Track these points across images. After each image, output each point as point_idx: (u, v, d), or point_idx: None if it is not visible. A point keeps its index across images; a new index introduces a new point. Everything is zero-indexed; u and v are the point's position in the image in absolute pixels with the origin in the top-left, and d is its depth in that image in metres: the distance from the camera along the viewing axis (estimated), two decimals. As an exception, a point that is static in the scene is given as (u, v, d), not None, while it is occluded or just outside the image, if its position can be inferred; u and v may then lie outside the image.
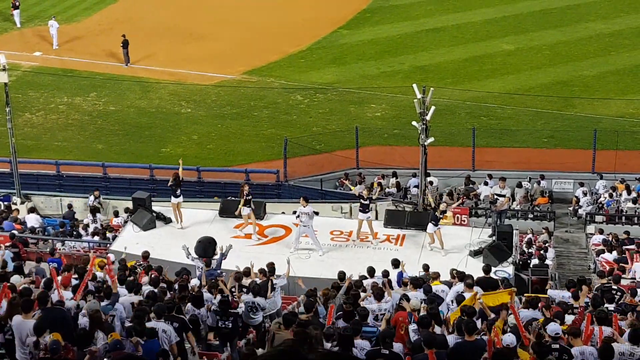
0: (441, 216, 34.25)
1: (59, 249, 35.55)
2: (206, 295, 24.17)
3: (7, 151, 42.92)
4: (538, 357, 17.72)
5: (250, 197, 35.30)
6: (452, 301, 24.36)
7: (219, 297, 23.79)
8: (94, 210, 40.56)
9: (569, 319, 22.20)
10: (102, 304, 21.28)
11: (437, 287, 25.70)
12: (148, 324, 19.41)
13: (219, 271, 27.46)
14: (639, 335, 18.81)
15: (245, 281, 26.46)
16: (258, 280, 26.41)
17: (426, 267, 29.21)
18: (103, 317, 19.91)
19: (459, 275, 26.52)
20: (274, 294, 25.63)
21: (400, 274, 28.31)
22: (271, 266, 27.17)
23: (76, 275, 25.42)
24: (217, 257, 28.90)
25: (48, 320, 19.18)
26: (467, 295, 23.96)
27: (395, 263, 29.29)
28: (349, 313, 21.25)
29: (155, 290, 23.95)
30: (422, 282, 25.63)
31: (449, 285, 26.36)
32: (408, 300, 22.66)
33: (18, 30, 68.08)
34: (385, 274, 27.62)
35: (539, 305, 23.55)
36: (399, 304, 22.60)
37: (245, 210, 35.29)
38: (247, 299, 24.32)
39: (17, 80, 57.00)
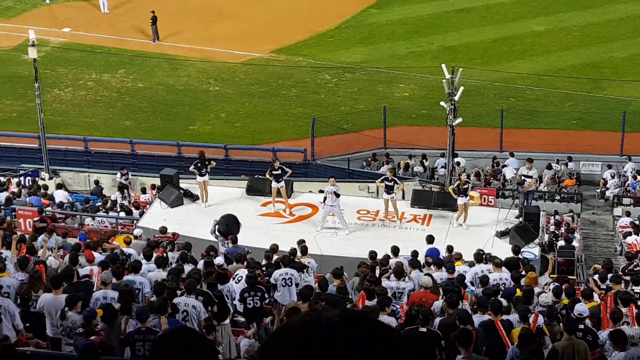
0: (466, 187, 34.16)
1: (88, 225, 35.84)
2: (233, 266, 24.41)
3: (35, 127, 43.16)
4: (567, 331, 17.60)
5: (279, 172, 35.35)
6: (471, 282, 24.27)
7: (245, 271, 23.83)
8: (122, 188, 40.81)
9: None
10: (128, 277, 21.50)
11: (459, 268, 25.62)
12: (176, 300, 19.49)
13: (246, 249, 27.51)
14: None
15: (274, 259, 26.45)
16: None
17: (450, 249, 29.12)
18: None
19: (476, 257, 26.20)
20: (306, 273, 25.53)
21: (433, 251, 28.20)
22: (304, 246, 27.20)
23: (101, 251, 25.67)
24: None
25: (74, 294, 19.34)
26: (495, 275, 23.91)
27: (430, 239, 29.31)
28: (369, 291, 21.25)
29: (175, 265, 24.06)
30: (443, 262, 25.59)
31: (472, 266, 26.28)
32: (433, 279, 22.66)
33: (47, 6, 68.21)
34: (414, 254, 27.54)
35: (563, 287, 23.49)
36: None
37: (274, 185, 35.46)
38: (280, 272, 24.09)
39: (46, 56, 57.23)
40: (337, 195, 33.30)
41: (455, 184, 34.60)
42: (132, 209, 37.73)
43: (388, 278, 23.57)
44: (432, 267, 25.10)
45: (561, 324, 18.33)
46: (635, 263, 28.44)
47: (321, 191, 35.61)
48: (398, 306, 21.54)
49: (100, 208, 38.48)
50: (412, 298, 21.69)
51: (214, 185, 37.25)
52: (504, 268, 24.66)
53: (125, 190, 40.91)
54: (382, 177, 35.67)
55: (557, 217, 39.86)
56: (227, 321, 20.84)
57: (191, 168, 35.84)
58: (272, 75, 56.70)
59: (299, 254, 26.71)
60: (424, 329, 17.71)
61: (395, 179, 35.24)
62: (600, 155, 45.96)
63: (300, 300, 20.16)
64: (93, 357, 15.59)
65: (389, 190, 34.62)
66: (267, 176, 35.76)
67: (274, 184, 35.52)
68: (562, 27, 61.69)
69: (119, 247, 27.01)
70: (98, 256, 24.68)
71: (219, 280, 22.40)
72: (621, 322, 19.10)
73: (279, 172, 35.31)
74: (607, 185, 43.48)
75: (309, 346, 4.11)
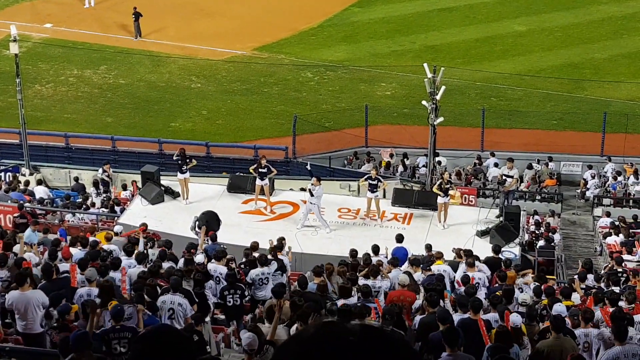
0: (448, 186, 34.25)
1: (68, 221, 35.73)
2: (211, 265, 24.36)
3: (16, 122, 43.02)
4: (554, 329, 17.62)
5: (265, 170, 35.32)
6: (457, 281, 24.36)
7: (225, 269, 23.86)
8: (97, 184, 40.65)
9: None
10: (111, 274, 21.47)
11: (439, 267, 25.67)
12: (162, 298, 19.47)
13: (223, 247, 27.51)
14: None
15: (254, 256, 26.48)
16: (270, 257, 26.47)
17: (429, 247, 29.16)
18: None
19: (466, 254, 26.48)
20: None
21: (399, 250, 28.24)
22: (280, 242, 27.34)
23: (80, 247, 25.57)
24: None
25: (53, 291, 19.30)
26: (470, 274, 23.99)
27: (399, 239, 29.32)
28: (345, 290, 21.27)
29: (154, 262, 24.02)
30: (420, 262, 25.65)
31: (454, 265, 26.33)
32: (413, 278, 22.70)
33: (29, 1, 67.97)
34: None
35: (543, 287, 23.61)
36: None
37: (258, 182, 35.41)
38: (257, 272, 24.28)
39: (28, 52, 57.00)
40: (311, 194, 33.24)
41: (438, 183, 34.66)
42: (112, 204, 37.65)
43: (364, 277, 23.61)
44: (413, 266, 25.16)
45: (549, 323, 18.35)
46: (611, 264, 28.62)
47: (303, 189, 35.63)
48: (374, 305, 21.53)
49: (82, 204, 38.35)
50: (389, 296, 21.73)
51: (195, 183, 37.20)
52: (482, 267, 24.77)
53: (102, 187, 40.71)
54: (366, 176, 35.70)
55: (537, 217, 39.98)
56: (208, 319, 20.84)
57: (174, 157, 35.87)
58: (254, 72, 56.64)
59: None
60: (387, 329, 17.68)
61: (379, 177, 35.32)
62: (580, 155, 46.05)
63: (274, 297, 20.19)
64: (85, 346, 15.54)
65: (373, 188, 34.65)
66: (252, 171, 35.72)
67: (258, 181, 35.48)
68: (544, 28, 61.85)
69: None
70: (76, 252, 24.58)
71: (205, 278, 22.42)
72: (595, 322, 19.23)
73: (265, 170, 35.31)
74: (588, 186, 43.61)
75: (317, 357, 4.13)
